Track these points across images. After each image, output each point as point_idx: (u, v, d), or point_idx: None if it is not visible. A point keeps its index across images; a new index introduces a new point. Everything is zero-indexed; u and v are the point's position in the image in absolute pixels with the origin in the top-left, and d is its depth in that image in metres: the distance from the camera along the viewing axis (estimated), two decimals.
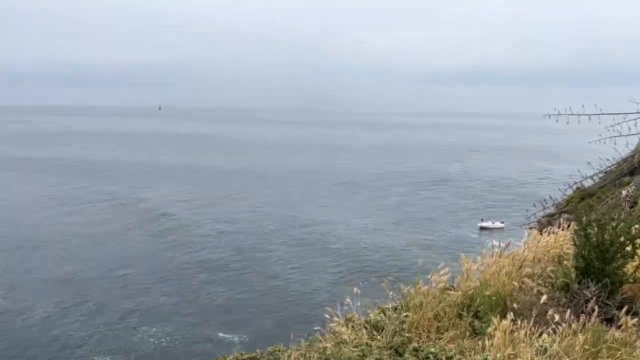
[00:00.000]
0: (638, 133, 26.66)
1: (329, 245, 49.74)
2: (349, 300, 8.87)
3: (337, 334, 8.33)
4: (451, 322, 7.69)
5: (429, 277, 8.34)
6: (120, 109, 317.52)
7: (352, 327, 8.41)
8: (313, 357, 7.36)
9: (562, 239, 9.86)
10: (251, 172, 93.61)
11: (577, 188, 36.56)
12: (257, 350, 9.31)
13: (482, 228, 56.31)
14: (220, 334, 32.36)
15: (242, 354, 9.13)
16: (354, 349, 7.50)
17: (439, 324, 7.62)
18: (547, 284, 7.97)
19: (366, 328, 8.28)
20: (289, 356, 7.49)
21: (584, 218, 8.36)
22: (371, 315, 8.64)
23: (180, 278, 41.57)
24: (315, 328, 8.81)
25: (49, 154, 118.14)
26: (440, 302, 7.90)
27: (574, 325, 6.67)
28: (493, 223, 56.96)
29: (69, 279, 41.24)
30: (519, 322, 6.68)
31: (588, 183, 36.87)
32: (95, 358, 29.89)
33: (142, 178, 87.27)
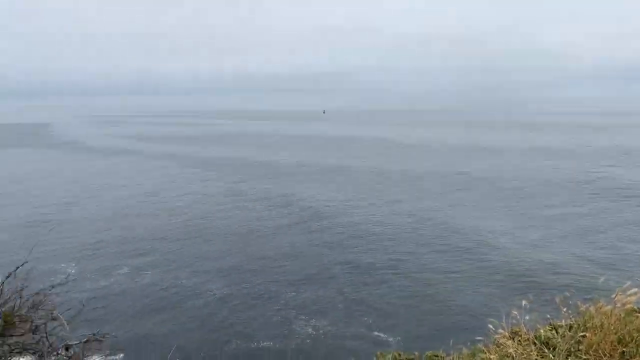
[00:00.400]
0: None
1: (488, 255, 47.28)
2: (515, 312, 8.36)
3: (501, 347, 7.92)
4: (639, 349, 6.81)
5: (613, 296, 7.47)
6: (288, 112, 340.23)
7: (519, 341, 7.91)
8: None
9: None
10: (410, 176, 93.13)
11: None
12: (416, 353, 9.28)
13: None
14: (375, 333, 32.82)
15: (400, 354, 9.19)
16: None
17: (624, 349, 6.80)
18: None
19: (535, 344, 7.73)
20: None
21: None
22: (541, 331, 8.03)
23: (335, 275, 43.08)
24: (478, 338, 8.47)
25: (225, 153, 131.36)
26: (626, 324, 7.04)
27: None
28: None
29: (236, 268, 45.42)
30: None
31: None
32: (261, 341, 32.51)
33: (303, 178, 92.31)
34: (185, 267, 45.59)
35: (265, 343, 32.27)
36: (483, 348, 7.92)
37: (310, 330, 33.62)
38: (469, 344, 8.61)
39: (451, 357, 7.64)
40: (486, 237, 52.91)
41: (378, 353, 9.09)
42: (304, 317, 35.31)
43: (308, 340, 32.23)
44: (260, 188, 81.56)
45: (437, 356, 9.04)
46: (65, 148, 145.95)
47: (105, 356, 8.25)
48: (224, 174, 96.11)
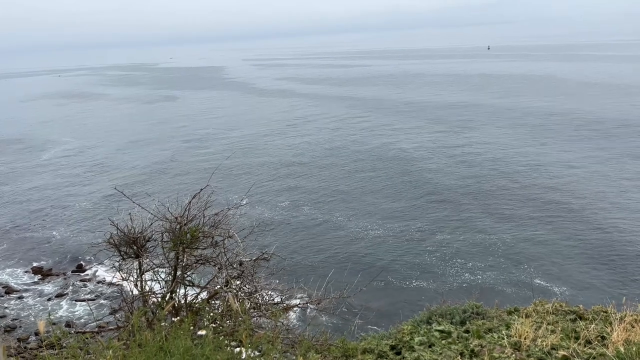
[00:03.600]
0: None
1: None
2: None
3: None
4: None
5: None
6: (448, 50, 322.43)
7: None
8: None
9: None
10: (591, 120, 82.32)
11: None
12: (580, 306, 8.65)
13: None
14: (537, 281, 31.24)
15: (562, 305, 8.65)
16: None
17: None
18: None
19: None
20: (622, 318, 6.70)
21: None
22: None
23: (495, 222, 41.39)
24: None
25: (384, 94, 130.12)
26: None
27: None
28: None
29: (392, 210, 46.08)
30: None
31: None
32: (414, 281, 33.10)
33: (466, 120, 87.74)
34: (341, 206, 47.53)
35: (418, 283, 32.79)
36: None
37: (467, 275, 33.21)
38: None
39: (623, 313, 6.96)
40: None
41: (537, 301, 8.67)
42: (460, 261, 34.95)
43: (464, 285, 31.93)
44: (425, 133, 79.59)
45: (605, 312, 8.31)
46: (239, 89, 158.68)
47: (271, 273, 9.12)
48: (386, 116, 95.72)
